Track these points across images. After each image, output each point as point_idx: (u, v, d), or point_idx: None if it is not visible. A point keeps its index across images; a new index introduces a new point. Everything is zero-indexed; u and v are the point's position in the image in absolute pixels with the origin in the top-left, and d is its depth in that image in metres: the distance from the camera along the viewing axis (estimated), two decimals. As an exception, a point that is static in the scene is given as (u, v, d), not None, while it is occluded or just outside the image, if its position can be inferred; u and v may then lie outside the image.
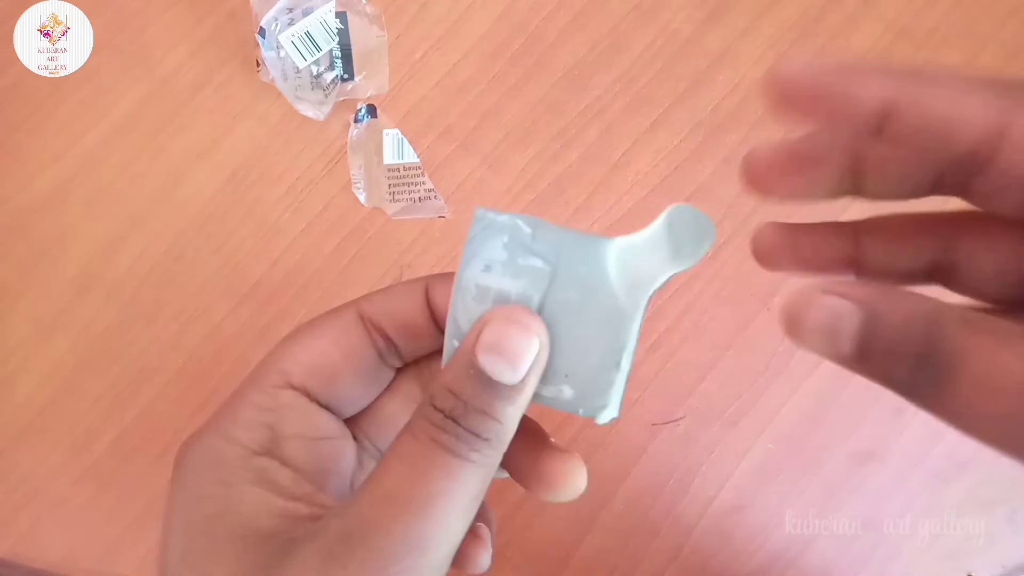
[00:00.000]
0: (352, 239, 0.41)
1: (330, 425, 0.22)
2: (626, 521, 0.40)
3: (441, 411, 0.19)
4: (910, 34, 0.43)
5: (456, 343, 0.21)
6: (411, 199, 0.41)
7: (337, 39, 0.41)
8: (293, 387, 0.21)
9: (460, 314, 0.21)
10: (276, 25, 0.40)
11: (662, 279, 0.20)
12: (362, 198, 0.41)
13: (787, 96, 0.16)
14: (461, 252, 0.21)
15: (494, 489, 0.41)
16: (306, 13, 0.41)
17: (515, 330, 0.19)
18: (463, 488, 0.19)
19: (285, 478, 0.20)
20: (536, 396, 0.20)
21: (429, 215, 0.41)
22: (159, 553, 0.20)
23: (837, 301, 0.16)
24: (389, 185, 0.41)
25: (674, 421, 0.40)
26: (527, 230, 0.21)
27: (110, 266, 0.40)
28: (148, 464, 0.39)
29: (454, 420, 0.19)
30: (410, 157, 0.41)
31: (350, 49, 0.41)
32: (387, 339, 0.23)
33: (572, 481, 0.22)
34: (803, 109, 0.16)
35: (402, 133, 0.41)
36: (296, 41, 0.40)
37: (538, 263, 0.20)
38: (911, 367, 0.16)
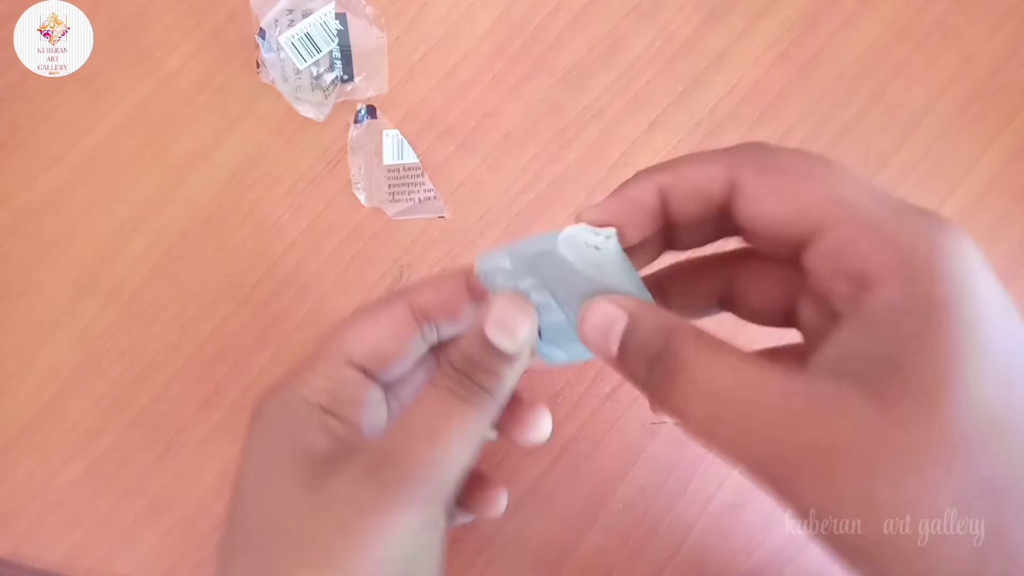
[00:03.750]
0: (352, 239, 0.41)
1: (376, 394, 0.28)
2: (625, 520, 0.40)
3: (457, 369, 0.25)
4: (908, 34, 0.43)
5: None
6: (411, 199, 0.41)
7: (337, 40, 0.41)
8: (353, 365, 0.27)
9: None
10: (276, 27, 0.40)
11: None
12: (362, 199, 0.41)
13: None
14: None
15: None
16: (306, 15, 0.41)
17: (514, 310, 0.25)
18: (470, 427, 0.25)
19: (339, 428, 0.26)
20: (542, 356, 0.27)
21: (429, 215, 0.41)
22: (234, 480, 0.26)
23: (611, 307, 0.22)
24: (389, 186, 0.41)
25: (672, 421, 0.40)
26: (508, 266, 0.25)
27: (111, 266, 0.41)
28: (149, 464, 0.39)
29: (465, 375, 0.25)
30: (410, 158, 0.41)
31: (350, 50, 0.41)
32: (431, 323, 0.29)
33: (540, 424, 0.29)
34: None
35: (402, 134, 0.41)
36: (296, 43, 0.41)
37: (530, 280, 0.25)
38: (648, 366, 0.21)
